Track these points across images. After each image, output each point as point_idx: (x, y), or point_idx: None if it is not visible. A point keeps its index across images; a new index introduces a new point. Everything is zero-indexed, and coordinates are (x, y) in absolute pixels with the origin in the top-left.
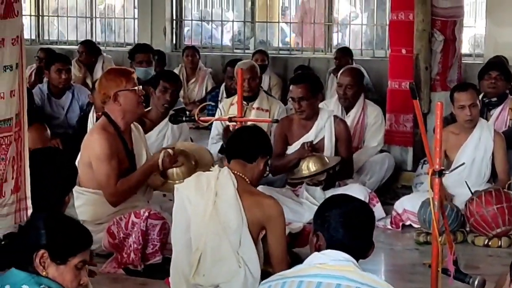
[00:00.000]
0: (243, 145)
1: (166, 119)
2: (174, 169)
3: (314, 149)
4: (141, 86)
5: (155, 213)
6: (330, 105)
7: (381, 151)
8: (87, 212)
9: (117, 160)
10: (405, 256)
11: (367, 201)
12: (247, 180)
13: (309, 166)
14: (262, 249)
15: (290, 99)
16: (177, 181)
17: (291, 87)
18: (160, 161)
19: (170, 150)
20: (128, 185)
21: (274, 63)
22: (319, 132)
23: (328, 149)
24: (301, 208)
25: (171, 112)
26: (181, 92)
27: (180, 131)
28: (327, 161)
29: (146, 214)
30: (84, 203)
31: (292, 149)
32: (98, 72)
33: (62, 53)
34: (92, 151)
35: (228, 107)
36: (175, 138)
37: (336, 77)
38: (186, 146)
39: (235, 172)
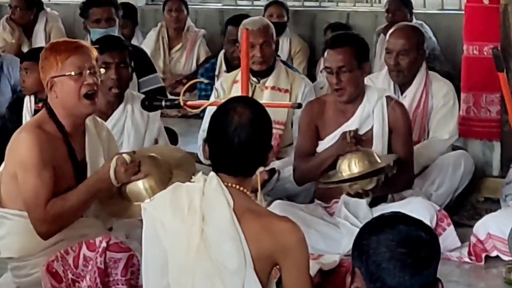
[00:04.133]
0: (233, 161)
1: (121, 106)
2: (141, 184)
3: (360, 141)
4: (102, 70)
5: (116, 243)
6: (378, 81)
7: (454, 148)
8: (12, 245)
9: (52, 172)
10: None
11: (434, 222)
12: (246, 192)
13: (351, 166)
14: None
15: (324, 70)
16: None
17: (326, 53)
18: (111, 171)
19: (126, 156)
20: (64, 208)
21: (297, 20)
22: (365, 120)
23: (378, 146)
24: (337, 233)
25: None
26: (160, 64)
27: (147, 120)
28: (378, 159)
29: (104, 244)
30: (9, 232)
31: (325, 145)
32: (39, 36)
33: None
34: (17, 156)
35: (230, 86)
36: (139, 133)
37: None
38: (156, 151)
39: (228, 184)
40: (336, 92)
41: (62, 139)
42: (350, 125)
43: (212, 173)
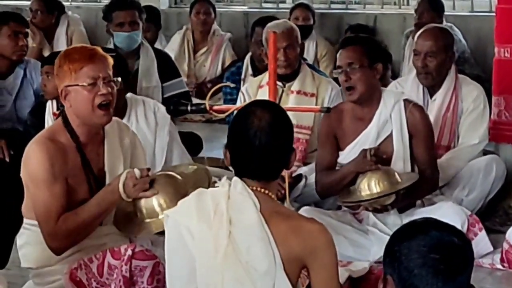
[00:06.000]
0: (255, 164)
1: (125, 119)
2: (155, 200)
3: (380, 159)
4: (119, 79)
5: (141, 251)
6: (407, 85)
7: (485, 152)
8: (30, 255)
9: (63, 185)
10: None
11: (465, 227)
12: (271, 195)
13: (371, 185)
14: None
15: (336, 71)
16: (157, 218)
17: (338, 54)
18: (121, 185)
19: (136, 170)
20: (76, 222)
21: (323, 23)
22: (383, 126)
23: (399, 151)
24: (367, 240)
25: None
26: (185, 68)
27: (154, 128)
28: (398, 178)
29: (129, 252)
30: (26, 242)
31: (345, 155)
32: (61, 40)
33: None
34: (28, 169)
35: (255, 92)
36: (147, 142)
37: None
38: (177, 171)
39: (253, 187)
40: (347, 91)
41: (76, 149)
42: (368, 132)
43: (236, 178)
